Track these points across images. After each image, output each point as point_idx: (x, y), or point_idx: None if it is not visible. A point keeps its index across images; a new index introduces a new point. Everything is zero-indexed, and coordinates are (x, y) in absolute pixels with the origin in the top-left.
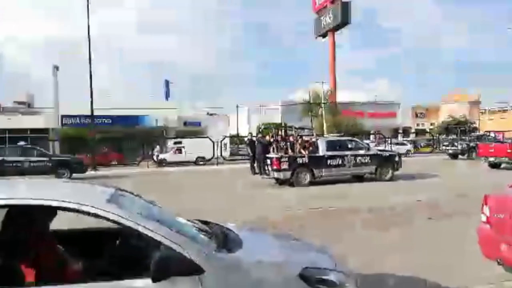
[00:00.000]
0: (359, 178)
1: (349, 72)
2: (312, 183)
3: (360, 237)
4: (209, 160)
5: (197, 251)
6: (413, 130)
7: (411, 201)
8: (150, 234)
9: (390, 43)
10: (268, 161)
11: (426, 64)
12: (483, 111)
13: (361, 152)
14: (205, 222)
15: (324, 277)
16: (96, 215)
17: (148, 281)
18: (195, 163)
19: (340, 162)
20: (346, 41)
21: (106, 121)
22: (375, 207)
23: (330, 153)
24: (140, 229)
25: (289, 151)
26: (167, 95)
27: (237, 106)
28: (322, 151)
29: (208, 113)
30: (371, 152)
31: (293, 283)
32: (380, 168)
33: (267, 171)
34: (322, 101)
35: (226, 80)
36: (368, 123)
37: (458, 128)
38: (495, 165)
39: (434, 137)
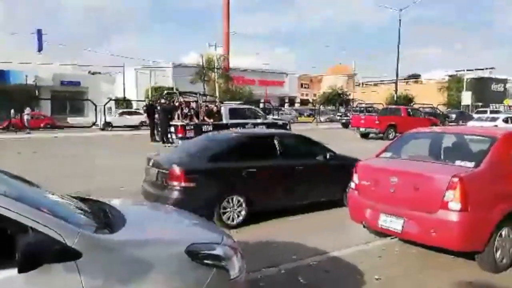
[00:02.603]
0: None
1: (240, 35)
2: None
3: None
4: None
5: (72, 233)
6: (298, 100)
7: None
8: (13, 216)
9: (281, 8)
10: (172, 129)
11: (315, 36)
12: (358, 84)
13: (259, 120)
14: (84, 199)
15: (210, 252)
16: None
17: (13, 272)
18: None
19: None
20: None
21: None
22: None
23: (232, 121)
24: (1, 211)
25: (194, 118)
26: (39, 47)
27: (123, 66)
28: (225, 118)
29: (89, 72)
30: (267, 121)
31: (180, 260)
32: None
33: (170, 139)
34: (216, 66)
35: (108, 36)
36: (258, 90)
37: (339, 99)
38: (365, 135)
39: (316, 107)
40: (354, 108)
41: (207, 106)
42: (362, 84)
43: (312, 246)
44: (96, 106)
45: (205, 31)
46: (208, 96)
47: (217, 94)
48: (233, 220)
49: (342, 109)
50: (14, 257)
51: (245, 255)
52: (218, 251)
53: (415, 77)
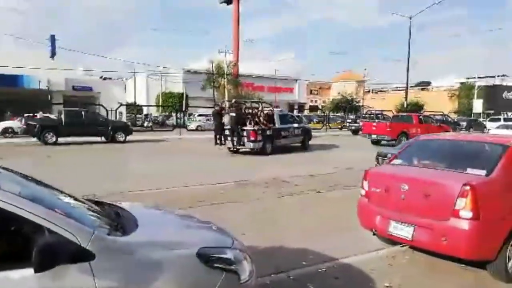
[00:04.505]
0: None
1: (251, 42)
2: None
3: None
4: None
5: (87, 235)
6: (307, 107)
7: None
8: (30, 217)
9: (295, 15)
10: (245, 133)
11: (323, 42)
12: (368, 90)
13: (296, 125)
14: (98, 203)
15: (221, 255)
16: None
17: (30, 271)
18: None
19: (287, 134)
20: (252, 9)
21: None
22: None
23: (282, 125)
24: (18, 211)
25: (260, 124)
26: (52, 53)
27: (134, 72)
28: (277, 123)
29: (101, 77)
30: (301, 125)
31: (191, 263)
32: (305, 139)
33: (241, 142)
34: (226, 73)
35: (121, 44)
36: (267, 97)
37: (348, 106)
38: (376, 142)
39: (325, 114)
40: (363, 115)
41: (264, 112)
42: (372, 90)
43: (322, 252)
44: (107, 111)
45: (215, 37)
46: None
47: (226, 100)
48: None
49: (352, 116)
50: (30, 257)
51: (254, 260)
52: (229, 254)
53: (425, 84)
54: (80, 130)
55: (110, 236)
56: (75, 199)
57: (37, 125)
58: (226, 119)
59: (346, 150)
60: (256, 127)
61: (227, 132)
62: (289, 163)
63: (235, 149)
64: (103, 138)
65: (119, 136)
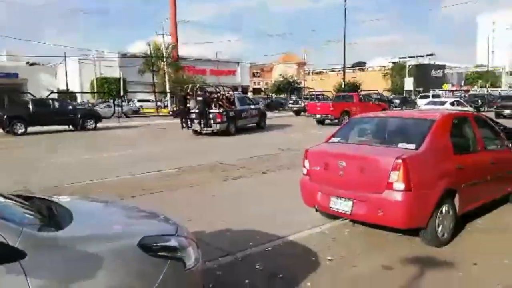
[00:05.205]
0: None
1: (191, 24)
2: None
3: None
4: None
5: (14, 234)
6: (250, 89)
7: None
8: None
9: None
10: (211, 115)
11: (268, 25)
12: (308, 72)
13: (253, 106)
14: (28, 198)
15: (164, 243)
16: None
17: None
18: None
19: (246, 115)
20: None
21: None
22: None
23: (241, 107)
24: None
25: (224, 106)
26: None
27: (64, 56)
28: (238, 105)
29: (28, 63)
30: (258, 107)
31: (132, 254)
32: (261, 119)
33: (208, 124)
34: (164, 56)
35: (49, 26)
36: (210, 80)
37: (290, 87)
38: (321, 121)
39: (268, 96)
40: (305, 96)
41: (224, 95)
42: (312, 72)
43: (268, 232)
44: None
45: (153, 19)
46: (224, 88)
47: (167, 84)
48: None
49: (294, 97)
50: None
51: (201, 245)
52: (173, 242)
53: (361, 64)
54: (50, 119)
55: (41, 232)
56: (3, 196)
57: (4, 116)
58: (191, 103)
59: (295, 130)
60: (221, 109)
61: (193, 116)
62: (255, 143)
63: (200, 131)
64: (71, 127)
65: (89, 123)
